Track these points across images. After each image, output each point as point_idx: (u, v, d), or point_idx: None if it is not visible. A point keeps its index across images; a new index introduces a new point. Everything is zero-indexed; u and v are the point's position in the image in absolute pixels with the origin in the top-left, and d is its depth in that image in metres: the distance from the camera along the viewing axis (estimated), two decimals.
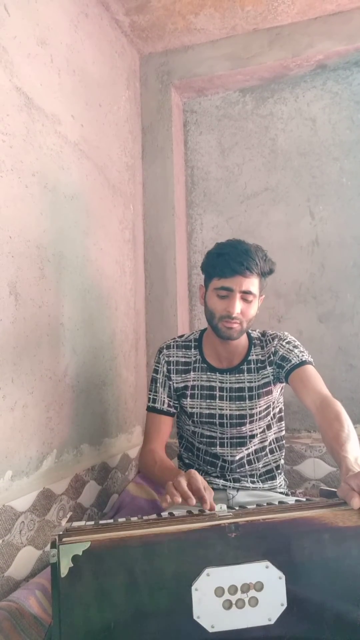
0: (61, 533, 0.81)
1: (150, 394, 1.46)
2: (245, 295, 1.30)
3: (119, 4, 1.84)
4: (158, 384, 1.45)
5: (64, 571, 0.73)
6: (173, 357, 1.45)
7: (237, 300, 1.29)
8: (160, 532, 0.77)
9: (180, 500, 0.96)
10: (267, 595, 0.76)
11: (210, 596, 0.75)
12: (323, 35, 1.95)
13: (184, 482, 0.99)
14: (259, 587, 0.76)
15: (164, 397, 1.43)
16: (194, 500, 0.95)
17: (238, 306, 1.29)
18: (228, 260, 1.28)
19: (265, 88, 2.15)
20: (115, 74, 1.92)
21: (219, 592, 0.76)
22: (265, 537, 0.79)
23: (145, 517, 0.91)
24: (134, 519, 0.91)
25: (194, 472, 1.04)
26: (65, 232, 1.50)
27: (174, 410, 1.45)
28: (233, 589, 0.76)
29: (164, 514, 0.94)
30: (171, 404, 1.44)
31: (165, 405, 1.43)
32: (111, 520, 0.91)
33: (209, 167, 2.22)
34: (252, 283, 1.30)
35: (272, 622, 0.76)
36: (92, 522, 0.89)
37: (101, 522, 0.89)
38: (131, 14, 1.90)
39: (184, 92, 2.21)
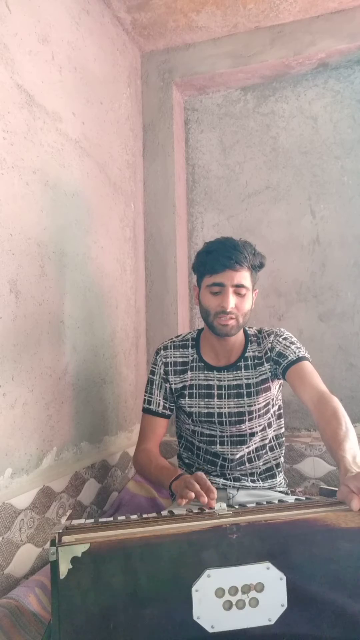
0: (61, 531, 0.81)
1: (145, 395, 1.46)
2: (238, 289, 1.31)
3: (120, 2, 1.84)
4: (154, 386, 1.45)
5: (63, 572, 0.72)
6: (170, 357, 1.45)
7: (230, 294, 1.29)
8: (160, 533, 0.77)
9: (193, 496, 1.02)
10: (268, 596, 0.76)
11: (211, 597, 0.75)
12: (325, 33, 1.94)
13: (196, 484, 1.06)
14: (260, 588, 0.76)
15: (159, 399, 1.44)
16: (206, 499, 1.01)
17: (232, 300, 1.29)
18: (217, 257, 1.30)
19: (266, 86, 2.15)
20: (117, 72, 1.92)
21: (220, 593, 0.75)
22: (267, 538, 0.78)
23: (144, 515, 0.91)
24: (134, 517, 0.91)
25: (200, 473, 1.11)
26: (66, 229, 1.50)
27: (169, 413, 1.45)
28: (234, 590, 0.75)
29: (164, 513, 0.94)
30: (166, 406, 1.44)
31: (161, 408, 1.44)
32: (111, 519, 0.91)
33: (210, 165, 2.21)
34: (243, 277, 1.31)
35: (272, 623, 0.75)
36: (92, 520, 0.89)
37: (101, 520, 0.89)
38: (133, 12, 1.90)
39: (186, 90, 2.20)
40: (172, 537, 0.76)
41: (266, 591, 0.76)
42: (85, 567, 0.73)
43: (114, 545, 0.75)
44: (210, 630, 0.74)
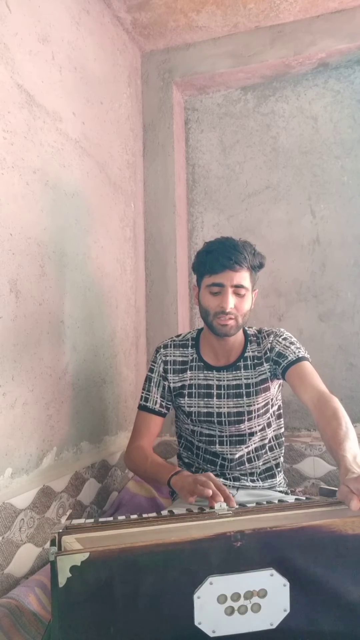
0: (61, 531, 0.81)
1: (143, 393, 1.45)
2: (237, 289, 1.31)
3: (120, 1, 1.84)
4: (152, 384, 1.44)
5: (62, 582, 0.71)
6: (170, 356, 1.45)
7: (230, 295, 1.30)
8: (162, 542, 0.75)
9: (210, 493, 1.02)
10: (270, 602, 0.75)
11: (213, 603, 0.74)
12: (325, 33, 1.94)
13: (211, 482, 1.06)
14: (263, 594, 0.75)
15: (157, 397, 1.43)
16: (221, 497, 1.01)
17: (231, 301, 1.29)
18: (217, 256, 1.30)
19: (266, 86, 2.15)
20: (117, 71, 1.92)
21: (222, 599, 0.74)
22: (272, 545, 0.76)
23: (144, 515, 0.91)
24: (134, 516, 0.91)
25: (209, 474, 1.11)
26: (66, 229, 1.50)
27: (165, 411, 1.44)
28: (236, 596, 0.74)
29: (164, 512, 0.94)
30: (163, 404, 1.44)
31: (157, 405, 1.43)
32: (111, 518, 0.91)
33: (210, 165, 2.21)
34: (242, 277, 1.31)
35: (274, 627, 0.75)
36: (92, 520, 0.89)
37: (101, 519, 0.89)
38: (133, 11, 1.90)
39: (186, 89, 2.20)
40: (174, 545, 0.75)
41: (269, 597, 0.75)
42: (85, 576, 0.72)
43: (114, 554, 0.73)
44: (212, 635, 0.74)
